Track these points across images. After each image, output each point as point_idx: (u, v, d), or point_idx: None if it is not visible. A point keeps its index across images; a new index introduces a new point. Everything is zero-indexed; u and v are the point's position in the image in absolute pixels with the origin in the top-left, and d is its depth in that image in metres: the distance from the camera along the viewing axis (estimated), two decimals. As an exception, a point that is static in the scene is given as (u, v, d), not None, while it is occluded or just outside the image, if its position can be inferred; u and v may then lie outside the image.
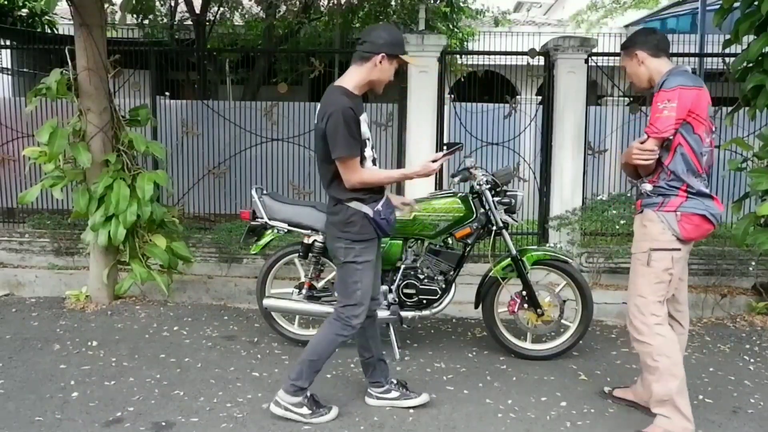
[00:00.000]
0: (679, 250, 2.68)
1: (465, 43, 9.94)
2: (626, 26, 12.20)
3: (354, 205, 2.75)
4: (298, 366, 2.85)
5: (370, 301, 2.88)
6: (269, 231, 3.74)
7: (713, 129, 2.74)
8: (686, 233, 2.65)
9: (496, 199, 3.58)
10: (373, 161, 2.83)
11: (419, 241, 3.74)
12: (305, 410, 2.85)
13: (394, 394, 3.06)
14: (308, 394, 2.88)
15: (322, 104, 2.72)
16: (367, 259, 2.80)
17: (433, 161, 2.76)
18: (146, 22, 8.36)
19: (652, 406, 2.73)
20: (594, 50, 5.35)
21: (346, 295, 2.82)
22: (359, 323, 2.83)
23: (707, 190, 2.68)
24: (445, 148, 5.39)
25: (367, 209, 2.75)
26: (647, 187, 2.73)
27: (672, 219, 2.65)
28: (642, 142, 2.65)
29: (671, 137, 2.59)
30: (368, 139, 2.79)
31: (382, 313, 3.65)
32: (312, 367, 2.84)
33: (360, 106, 2.73)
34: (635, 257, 2.77)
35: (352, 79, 2.73)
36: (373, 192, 2.78)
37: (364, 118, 2.74)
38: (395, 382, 3.13)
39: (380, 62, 2.68)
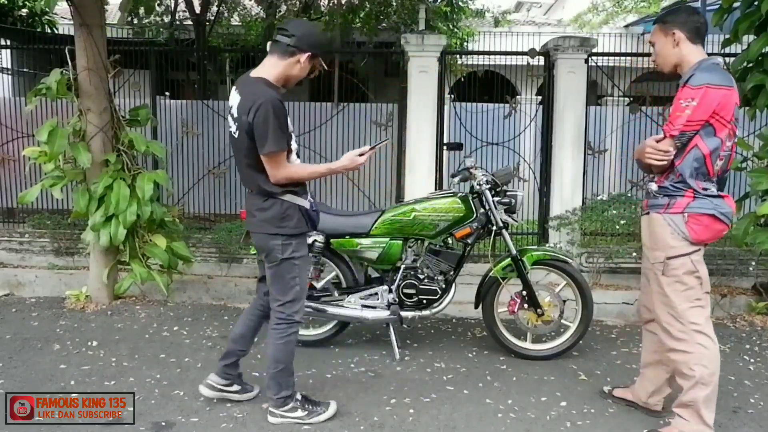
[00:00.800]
0: (697, 251, 2.57)
1: (465, 43, 9.94)
2: (626, 26, 12.20)
3: (288, 198, 2.68)
4: (272, 382, 2.82)
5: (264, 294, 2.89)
6: (269, 231, 3.74)
7: (736, 132, 2.59)
8: (696, 235, 2.52)
9: (496, 199, 3.58)
10: (297, 154, 2.77)
11: (419, 241, 3.74)
12: (300, 413, 2.83)
13: (236, 387, 3.03)
14: (298, 397, 2.87)
15: (244, 95, 2.59)
16: (304, 254, 2.77)
17: (360, 155, 2.73)
18: (135, 21, 8.35)
19: (674, 406, 2.68)
20: (594, 50, 5.35)
21: (284, 292, 2.75)
22: (301, 316, 2.82)
23: (717, 193, 2.55)
24: (445, 147, 5.46)
25: (302, 202, 2.71)
26: (653, 186, 2.62)
27: (680, 221, 2.53)
28: (658, 141, 2.52)
29: (687, 138, 2.46)
30: (292, 132, 2.74)
31: (382, 313, 3.66)
32: (284, 375, 2.80)
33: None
34: (654, 267, 2.63)
35: (272, 71, 2.64)
36: (301, 184, 2.75)
37: None
38: (238, 375, 3.08)
39: (304, 61, 2.63)
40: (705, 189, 2.52)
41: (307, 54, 2.62)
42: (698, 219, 2.52)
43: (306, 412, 2.84)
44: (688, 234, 2.53)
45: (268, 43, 2.69)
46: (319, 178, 2.65)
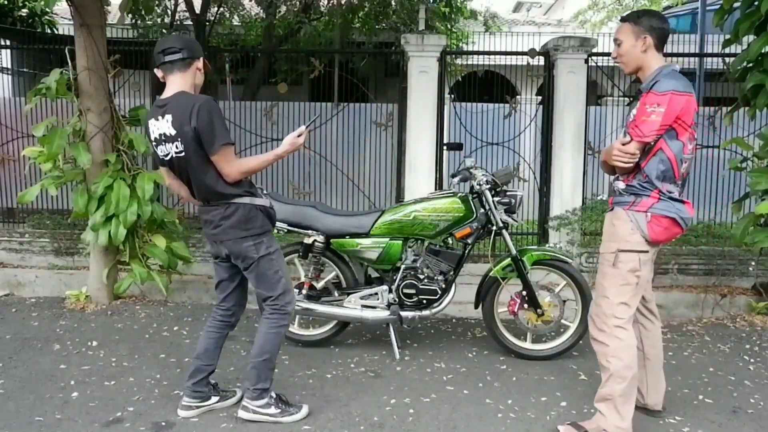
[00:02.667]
0: (646, 252, 2.63)
1: (464, 43, 9.92)
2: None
3: (248, 200, 2.75)
4: (253, 372, 2.82)
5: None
6: (269, 231, 3.75)
7: (695, 136, 2.69)
8: (654, 235, 2.59)
9: (496, 199, 3.58)
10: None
11: (419, 241, 3.74)
12: (273, 410, 2.84)
13: (214, 398, 2.99)
14: (273, 395, 2.87)
15: (175, 110, 2.61)
16: (277, 247, 2.84)
17: (299, 135, 2.78)
18: (138, 22, 8.35)
19: (595, 400, 2.76)
20: (594, 50, 5.35)
21: (272, 288, 2.82)
22: (293, 307, 2.88)
23: (680, 197, 2.64)
24: (445, 147, 5.46)
25: (262, 201, 2.79)
26: (620, 185, 2.68)
27: (642, 219, 2.59)
28: (624, 143, 2.57)
29: (653, 142, 2.53)
30: None
31: (382, 313, 3.66)
32: (266, 366, 2.82)
33: None
34: (603, 257, 2.71)
35: (185, 84, 2.69)
36: (252, 185, 2.83)
37: None
38: (212, 386, 3.02)
39: (200, 67, 2.74)
40: (669, 192, 2.60)
41: (200, 59, 2.74)
42: (659, 220, 2.59)
43: (279, 410, 2.84)
44: (647, 233, 2.60)
45: (157, 69, 2.73)
46: (269, 166, 2.71)
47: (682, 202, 2.64)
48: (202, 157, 2.63)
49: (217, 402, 2.98)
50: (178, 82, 2.69)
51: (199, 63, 2.74)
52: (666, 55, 2.76)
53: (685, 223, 2.63)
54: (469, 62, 8.64)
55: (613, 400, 2.64)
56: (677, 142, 2.55)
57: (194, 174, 2.70)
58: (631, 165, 2.58)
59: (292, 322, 3.94)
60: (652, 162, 2.57)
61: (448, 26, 9.24)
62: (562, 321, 3.70)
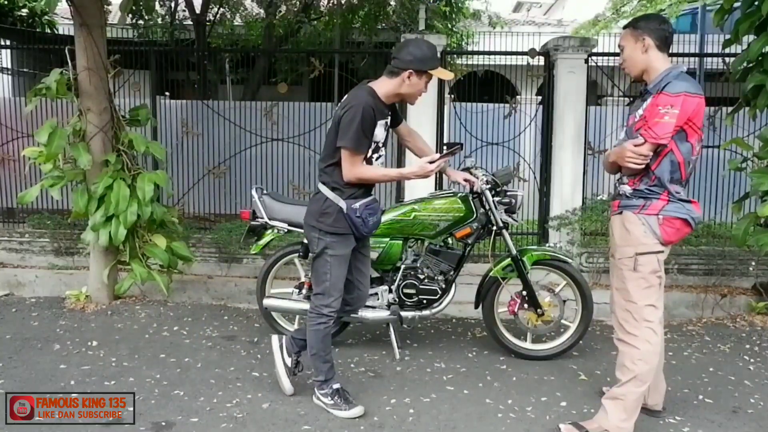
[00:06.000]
0: (662, 252, 2.65)
1: (464, 43, 9.92)
2: (625, 27, 12.20)
3: (332, 195, 2.81)
4: (312, 365, 3.01)
5: (341, 293, 2.96)
6: (269, 231, 3.75)
7: (702, 138, 2.69)
8: (667, 237, 2.61)
9: (496, 199, 3.58)
10: (381, 164, 2.95)
11: (419, 241, 3.74)
12: (328, 400, 2.96)
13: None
14: (334, 387, 2.97)
15: (347, 96, 2.82)
16: (338, 253, 2.86)
17: (431, 162, 2.79)
18: (141, 22, 8.35)
19: (604, 397, 2.76)
20: (594, 50, 5.35)
21: (317, 283, 2.93)
22: (332, 312, 2.90)
23: (686, 197, 2.65)
24: (445, 147, 5.44)
25: (342, 204, 2.80)
26: (626, 189, 2.68)
27: (654, 222, 2.60)
28: (637, 145, 2.56)
29: (666, 143, 2.53)
30: (380, 145, 2.86)
31: (382, 313, 3.66)
32: (317, 360, 2.96)
33: (382, 112, 2.80)
34: (621, 262, 2.70)
35: (382, 87, 2.81)
36: (358, 188, 2.83)
37: (381, 124, 2.80)
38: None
39: (408, 78, 2.75)
40: (678, 192, 2.61)
41: (408, 71, 2.73)
42: (672, 222, 2.61)
43: (333, 402, 2.94)
44: (660, 235, 2.61)
45: None
46: (389, 182, 2.75)
47: (690, 201, 2.65)
48: (333, 141, 2.78)
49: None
50: (382, 81, 2.82)
51: (406, 74, 2.73)
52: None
53: (695, 222, 2.65)
54: (470, 62, 8.64)
55: (624, 400, 2.65)
56: (687, 144, 2.55)
57: (323, 150, 2.90)
58: (643, 166, 2.58)
59: (292, 322, 3.95)
60: (663, 164, 2.57)
61: (449, 26, 9.24)
62: (562, 321, 3.70)
